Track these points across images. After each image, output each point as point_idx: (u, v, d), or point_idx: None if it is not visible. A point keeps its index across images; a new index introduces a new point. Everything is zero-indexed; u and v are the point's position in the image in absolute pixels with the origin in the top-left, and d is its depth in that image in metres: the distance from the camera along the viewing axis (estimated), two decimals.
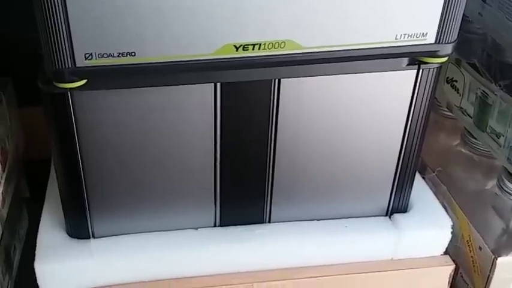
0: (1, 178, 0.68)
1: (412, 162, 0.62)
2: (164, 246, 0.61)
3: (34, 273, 0.59)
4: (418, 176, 0.68)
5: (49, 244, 0.60)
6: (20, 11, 0.76)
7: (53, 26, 0.48)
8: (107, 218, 0.60)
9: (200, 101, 0.55)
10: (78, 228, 0.61)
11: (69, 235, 0.62)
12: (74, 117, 0.54)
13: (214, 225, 0.64)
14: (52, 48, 0.49)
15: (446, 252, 0.66)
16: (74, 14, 0.47)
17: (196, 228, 0.63)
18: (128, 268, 0.61)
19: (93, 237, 0.61)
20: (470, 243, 0.67)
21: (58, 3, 0.47)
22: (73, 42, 0.48)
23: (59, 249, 0.60)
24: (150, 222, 0.62)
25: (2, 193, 0.68)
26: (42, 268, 0.59)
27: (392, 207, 0.65)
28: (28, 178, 0.82)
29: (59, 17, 0.47)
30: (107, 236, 0.61)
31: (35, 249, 0.60)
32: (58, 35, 0.48)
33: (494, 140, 0.66)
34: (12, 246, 0.72)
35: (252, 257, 0.63)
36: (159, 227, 0.62)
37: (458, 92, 0.72)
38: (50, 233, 0.62)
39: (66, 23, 0.48)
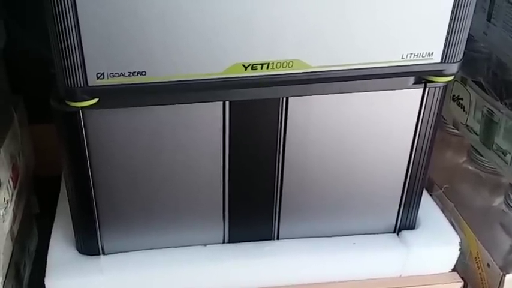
0: (12, 195, 0.68)
1: (420, 180, 0.63)
2: (173, 263, 0.61)
3: None
4: (425, 193, 0.68)
5: (59, 260, 0.61)
6: (32, 30, 0.77)
7: (66, 46, 0.49)
8: (117, 234, 0.61)
9: (209, 119, 0.56)
10: (88, 244, 0.61)
11: (79, 252, 0.62)
12: (85, 135, 0.55)
13: (223, 242, 0.64)
14: (64, 67, 0.50)
15: (454, 269, 0.66)
16: (86, 34, 0.48)
17: (205, 245, 0.64)
18: (138, 284, 0.61)
19: (103, 253, 0.62)
20: (478, 260, 0.67)
21: (71, 24, 0.48)
22: (85, 61, 0.50)
23: (69, 266, 0.60)
24: (160, 238, 0.62)
25: (13, 209, 0.68)
26: (52, 284, 0.59)
27: (400, 224, 0.66)
28: (38, 194, 0.83)
29: (71, 37, 0.48)
30: (116, 253, 0.62)
31: (44, 265, 0.61)
32: (71, 54, 0.49)
33: (501, 158, 0.66)
34: (23, 263, 0.73)
35: (260, 273, 0.63)
36: (168, 243, 0.63)
37: (464, 110, 0.72)
38: (60, 250, 0.62)
39: (78, 43, 0.49)
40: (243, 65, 0.52)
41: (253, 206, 0.62)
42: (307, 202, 0.63)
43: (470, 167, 0.76)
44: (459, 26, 0.52)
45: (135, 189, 0.59)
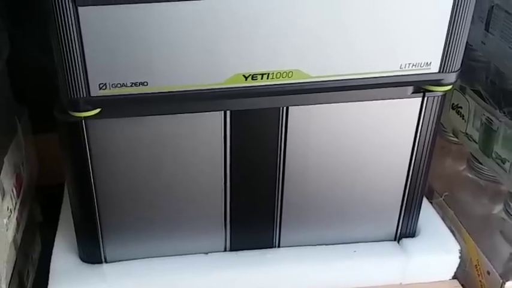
0: (16, 204, 0.69)
1: (420, 187, 0.63)
2: (175, 271, 0.62)
3: None
4: (425, 201, 0.68)
5: (62, 269, 0.62)
6: (36, 41, 0.78)
7: (69, 57, 0.49)
8: (119, 243, 0.61)
9: (210, 128, 0.57)
10: (91, 253, 0.62)
11: (82, 260, 0.63)
12: (88, 144, 0.55)
13: (225, 250, 0.64)
14: (68, 78, 0.50)
15: (454, 277, 0.67)
16: (89, 46, 0.49)
17: (207, 253, 0.64)
18: None
19: (106, 262, 0.62)
20: (478, 267, 0.67)
21: (74, 36, 0.48)
22: (88, 73, 0.50)
23: (72, 274, 0.61)
24: (161, 247, 0.63)
25: (17, 218, 0.69)
26: None
27: (401, 231, 0.66)
28: (41, 203, 0.83)
29: (74, 49, 0.49)
30: (119, 261, 0.62)
31: (47, 274, 0.61)
32: (74, 66, 0.50)
33: (500, 166, 0.66)
34: (26, 271, 0.73)
35: (261, 281, 0.64)
36: (170, 251, 0.63)
37: (463, 118, 0.73)
38: (63, 258, 0.63)
39: (81, 55, 0.49)
40: (244, 75, 0.52)
41: (254, 214, 0.63)
42: (308, 210, 0.63)
43: (469, 175, 0.76)
44: (457, 36, 0.53)
45: (138, 198, 0.59)
